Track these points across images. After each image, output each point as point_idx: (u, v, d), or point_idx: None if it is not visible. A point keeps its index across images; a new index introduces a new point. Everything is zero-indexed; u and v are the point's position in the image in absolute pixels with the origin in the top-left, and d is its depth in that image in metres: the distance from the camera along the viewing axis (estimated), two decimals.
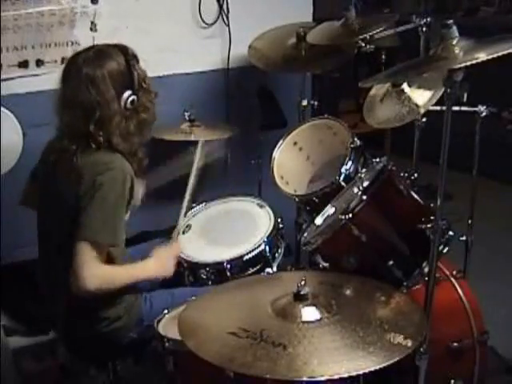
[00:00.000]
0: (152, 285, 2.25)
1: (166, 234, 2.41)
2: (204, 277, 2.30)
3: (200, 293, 2.03)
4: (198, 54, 3.18)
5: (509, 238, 3.82)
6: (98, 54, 2.01)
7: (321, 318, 1.58)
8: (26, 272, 2.57)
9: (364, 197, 1.98)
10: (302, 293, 1.61)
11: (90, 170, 1.94)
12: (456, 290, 2.23)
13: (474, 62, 1.63)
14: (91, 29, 2.84)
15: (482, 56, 1.64)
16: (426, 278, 1.93)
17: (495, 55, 1.62)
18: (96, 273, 1.91)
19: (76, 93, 1.96)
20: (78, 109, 1.96)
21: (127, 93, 2.00)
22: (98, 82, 1.96)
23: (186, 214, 2.46)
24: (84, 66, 1.97)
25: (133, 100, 2.01)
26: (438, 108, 2.18)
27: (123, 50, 2.04)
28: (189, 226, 2.52)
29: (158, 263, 2.12)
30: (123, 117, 2.01)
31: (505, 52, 1.62)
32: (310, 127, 2.61)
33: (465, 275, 2.38)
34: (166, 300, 2.13)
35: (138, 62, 2.06)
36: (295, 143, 2.61)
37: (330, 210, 2.21)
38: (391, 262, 1.98)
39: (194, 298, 1.84)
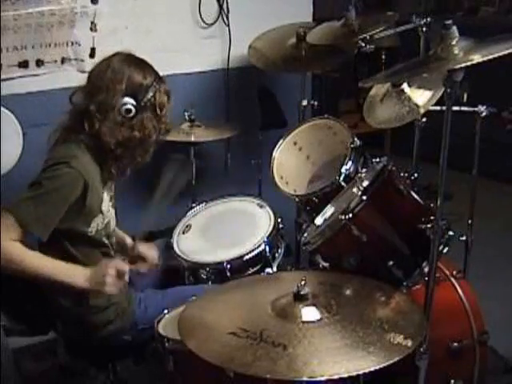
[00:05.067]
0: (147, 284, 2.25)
1: (167, 233, 2.41)
2: (204, 277, 2.30)
3: (194, 291, 2.02)
4: (198, 54, 3.18)
5: (509, 238, 3.82)
6: (138, 60, 2.03)
7: (321, 318, 1.58)
8: None
9: (364, 197, 1.98)
10: (301, 293, 1.61)
11: (52, 159, 1.92)
12: (456, 290, 2.23)
13: (473, 62, 1.63)
14: (91, 29, 2.84)
15: (481, 57, 1.64)
16: (426, 278, 1.93)
17: (495, 55, 1.62)
18: (7, 245, 1.83)
19: (97, 71, 1.98)
20: (88, 84, 1.99)
21: (127, 99, 1.95)
22: (115, 71, 1.95)
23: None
24: (118, 57, 2.00)
25: (128, 109, 1.95)
26: (438, 108, 2.18)
27: (159, 77, 2.06)
28: (189, 226, 2.52)
29: (91, 274, 1.89)
30: (115, 121, 1.95)
31: (504, 53, 1.62)
32: (310, 127, 2.61)
33: (465, 275, 2.38)
34: (160, 301, 2.10)
35: (166, 95, 2.05)
36: (295, 143, 2.61)
37: (329, 210, 2.21)
38: (391, 262, 1.98)
39: (193, 297, 1.84)
